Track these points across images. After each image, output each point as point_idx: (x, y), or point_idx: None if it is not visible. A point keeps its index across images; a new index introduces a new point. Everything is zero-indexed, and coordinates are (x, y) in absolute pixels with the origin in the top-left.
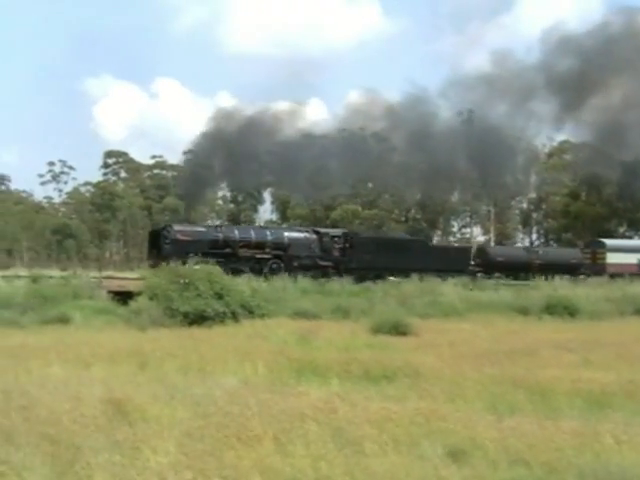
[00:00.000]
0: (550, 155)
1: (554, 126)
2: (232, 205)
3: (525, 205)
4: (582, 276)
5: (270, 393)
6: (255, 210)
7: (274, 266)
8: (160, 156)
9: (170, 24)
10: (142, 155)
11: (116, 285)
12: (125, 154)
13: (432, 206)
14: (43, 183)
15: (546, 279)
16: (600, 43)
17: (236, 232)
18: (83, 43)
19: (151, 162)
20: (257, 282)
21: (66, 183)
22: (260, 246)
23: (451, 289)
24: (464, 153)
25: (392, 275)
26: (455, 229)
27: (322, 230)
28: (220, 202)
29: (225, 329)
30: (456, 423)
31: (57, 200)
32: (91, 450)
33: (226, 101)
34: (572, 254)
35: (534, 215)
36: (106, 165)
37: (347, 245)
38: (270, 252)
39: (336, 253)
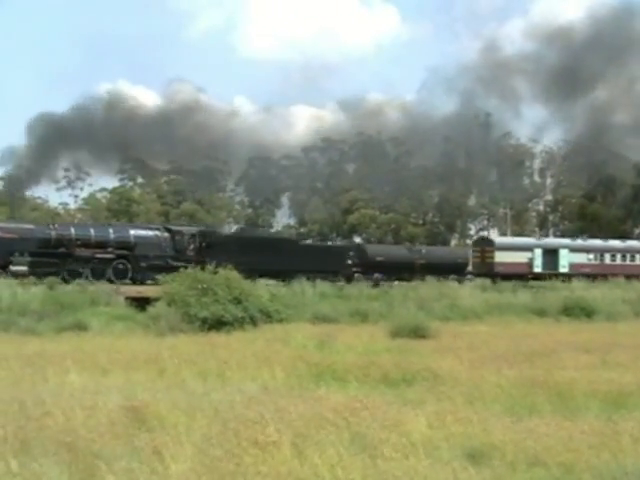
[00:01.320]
0: (566, 157)
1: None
2: (250, 210)
3: (542, 207)
4: (469, 276)
5: (289, 398)
6: (273, 214)
7: (120, 267)
8: (176, 161)
9: (185, 29)
10: (158, 160)
11: (134, 291)
12: (141, 159)
13: (449, 209)
14: (59, 189)
15: (422, 279)
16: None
17: (72, 230)
18: (98, 49)
19: (167, 167)
20: (275, 287)
21: (82, 189)
22: (101, 245)
23: (469, 292)
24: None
25: (261, 277)
26: (472, 232)
27: (175, 227)
28: (238, 207)
29: (244, 334)
30: (475, 426)
31: (73, 206)
32: (109, 458)
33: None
34: (458, 253)
35: (550, 217)
36: (122, 170)
37: (204, 244)
38: (113, 252)
39: (191, 253)
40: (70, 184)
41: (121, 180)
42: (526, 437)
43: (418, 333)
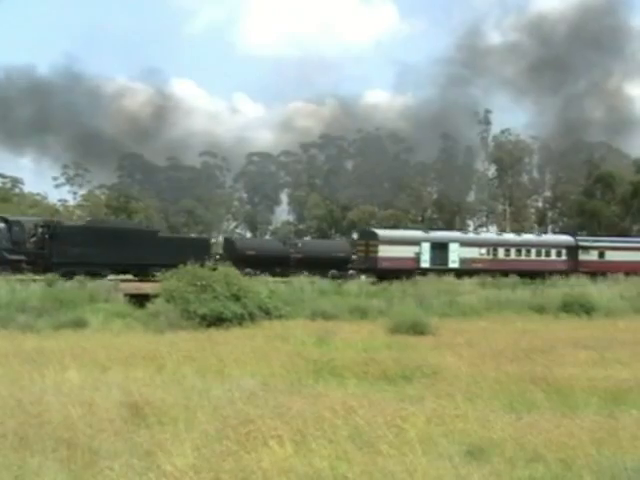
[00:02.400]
0: (565, 154)
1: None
2: (248, 206)
3: (540, 204)
4: (351, 272)
5: (288, 394)
6: (271, 211)
7: None
8: (175, 158)
9: (185, 26)
10: (157, 157)
11: (133, 288)
12: (140, 156)
13: (449, 205)
14: (57, 186)
15: (298, 274)
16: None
17: None
18: (97, 45)
19: (166, 164)
20: (274, 283)
21: (81, 186)
22: None
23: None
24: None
25: (113, 272)
26: (471, 228)
27: (12, 218)
28: (236, 203)
29: (243, 331)
30: (474, 422)
31: (72, 203)
32: (108, 454)
33: (241, 101)
34: (339, 247)
35: (549, 214)
36: (121, 167)
37: (47, 236)
38: None
39: (31, 246)
40: (69, 181)
41: (120, 177)
42: (525, 433)
43: (417, 329)
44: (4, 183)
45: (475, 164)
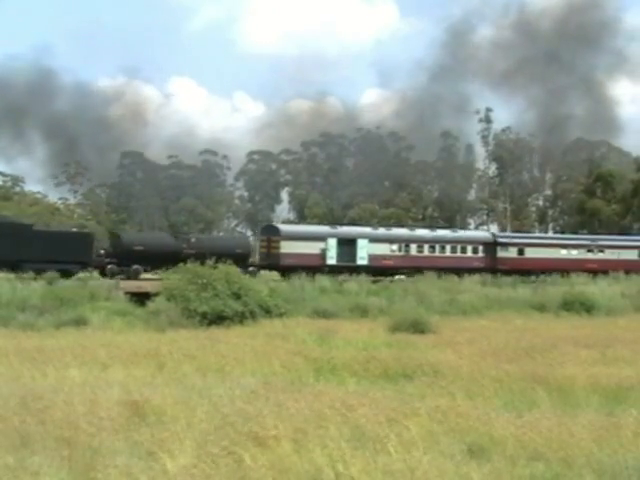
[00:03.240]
0: (565, 152)
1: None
2: (249, 205)
3: (541, 202)
4: (251, 268)
5: (289, 393)
6: (272, 210)
7: None
8: (176, 156)
9: (185, 24)
10: (158, 155)
11: (134, 286)
12: (141, 154)
13: (449, 204)
14: (58, 184)
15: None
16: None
17: None
18: (97, 43)
19: (167, 163)
20: (275, 282)
21: (81, 184)
22: None
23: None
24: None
25: None
26: (472, 226)
27: None
28: (237, 202)
29: (243, 329)
30: (475, 420)
31: (72, 201)
32: (108, 453)
33: (242, 100)
34: (237, 242)
35: (550, 212)
36: (122, 166)
37: None
38: None
39: None
40: (69, 179)
41: (120, 176)
42: (526, 432)
43: (418, 328)
44: (4, 182)
45: (476, 162)
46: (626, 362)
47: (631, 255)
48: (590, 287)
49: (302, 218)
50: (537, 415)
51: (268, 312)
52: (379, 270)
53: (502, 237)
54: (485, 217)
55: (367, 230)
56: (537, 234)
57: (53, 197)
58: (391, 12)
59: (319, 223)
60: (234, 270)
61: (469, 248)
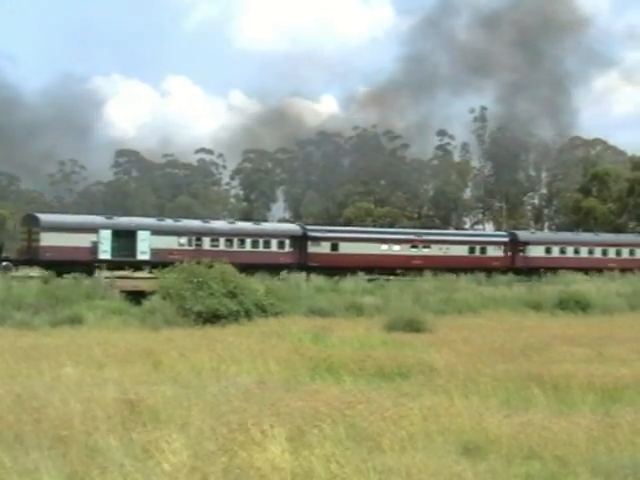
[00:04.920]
0: (561, 151)
1: None
2: (245, 203)
3: (537, 201)
4: (5, 263)
5: (284, 392)
6: (268, 208)
7: None
8: (172, 155)
9: (181, 22)
10: (153, 154)
11: (129, 285)
12: (136, 153)
13: (445, 202)
14: (53, 183)
15: None
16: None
17: None
18: (91, 42)
19: (163, 161)
20: (271, 280)
21: (77, 183)
22: None
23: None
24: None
25: None
26: (467, 225)
27: None
28: (233, 200)
29: (239, 328)
30: (471, 419)
31: (68, 200)
32: (104, 452)
33: (238, 98)
34: None
35: (545, 211)
36: (117, 164)
37: None
38: None
39: None
40: (65, 178)
41: (116, 174)
42: (522, 430)
43: (413, 327)
44: (0, 180)
45: (471, 161)
46: (622, 361)
47: (461, 251)
48: (585, 285)
49: (298, 217)
50: (533, 414)
51: (264, 311)
52: (165, 266)
53: (313, 231)
54: (481, 216)
55: (149, 221)
56: (355, 228)
57: (49, 196)
58: (387, 9)
59: (90, 213)
60: (230, 269)
61: (274, 242)
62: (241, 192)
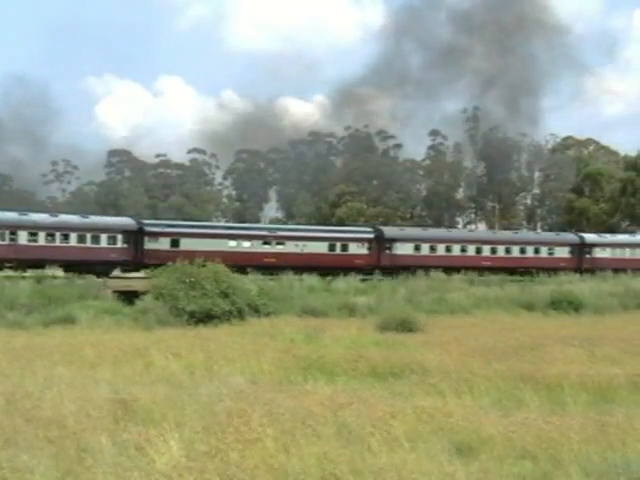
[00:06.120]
0: (553, 151)
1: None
2: (237, 203)
3: (529, 201)
4: None
5: (277, 392)
6: (260, 208)
7: None
8: (164, 155)
9: (173, 22)
10: (146, 154)
11: (122, 285)
12: (129, 153)
13: (438, 202)
14: (46, 183)
15: None
16: None
17: None
18: (83, 42)
19: (155, 161)
20: (264, 280)
21: (69, 183)
22: None
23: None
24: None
25: None
26: (460, 225)
27: None
28: (225, 200)
29: (232, 328)
30: (463, 419)
31: (61, 200)
32: (97, 451)
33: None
34: None
35: (538, 211)
36: (110, 164)
37: None
38: None
39: None
40: (58, 177)
41: (108, 174)
42: (514, 430)
43: (406, 327)
44: None
45: (464, 161)
46: (614, 361)
47: (319, 249)
48: (578, 286)
49: (290, 217)
50: (525, 414)
51: (256, 311)
52: None
53: (151, 225)
54: (473, 216)
55: None
56: (199, 222)
57: (41, 196)
58: (378, 9)
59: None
60: (223, 269)
61: (104, 238)
62: (234, 192)
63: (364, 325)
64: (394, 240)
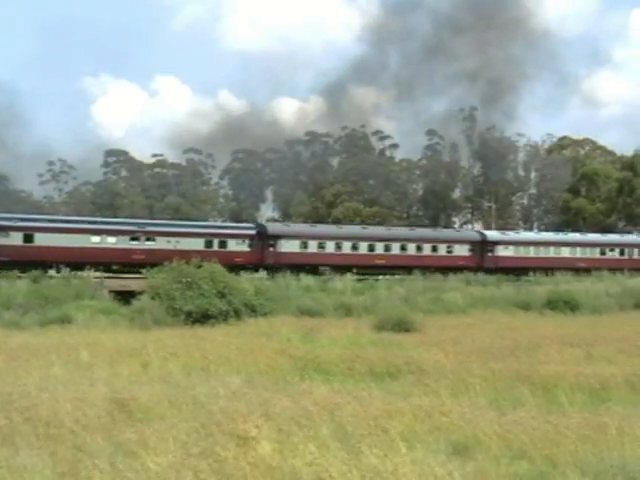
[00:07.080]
0: (550, 151)
1: None
2: (234, 203)
3: (526, 201)
4: None
5: (273, 391)
6: (257, 208)
7: None
8: (161, 155)
9: (169, 21)
10: (142, 154)
11: (118, 285)
12: (125, 153)
13: (434, 202)
14: (42, 183)
15: None
16: None
17: None
18: (80, 42)
19: (152, 161)
20: (260, 280)
21: (66, 182)
22: None
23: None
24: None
25: None
26: (457, 225)
27: None
28: (222, 200)
29: (228, 328)
30: (459, 419)
31: (57, 200)
32: (93, 451)
33: (226, 98)
34: None
35: (535, 211)
36: (107, 164)
37: None
38: None
39: None
40: (54, 177)
41: (105, 174)
42: (511, 430)
43: (402, 327)
44: None
45: (460, 160)
46: (610, 361)
47: (194, 245)
48: (576, 285)
49: (287, 216)
50: (522, 414)
51: (253, 311)
52: None
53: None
54: (470, 215)
55: None
56: (57, 217)
57: (38, 196)
58: (373, 8)
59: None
60: (219, 269)
61: None
62: (230, 192)
63: (360, 325)
64: (278, 237)
